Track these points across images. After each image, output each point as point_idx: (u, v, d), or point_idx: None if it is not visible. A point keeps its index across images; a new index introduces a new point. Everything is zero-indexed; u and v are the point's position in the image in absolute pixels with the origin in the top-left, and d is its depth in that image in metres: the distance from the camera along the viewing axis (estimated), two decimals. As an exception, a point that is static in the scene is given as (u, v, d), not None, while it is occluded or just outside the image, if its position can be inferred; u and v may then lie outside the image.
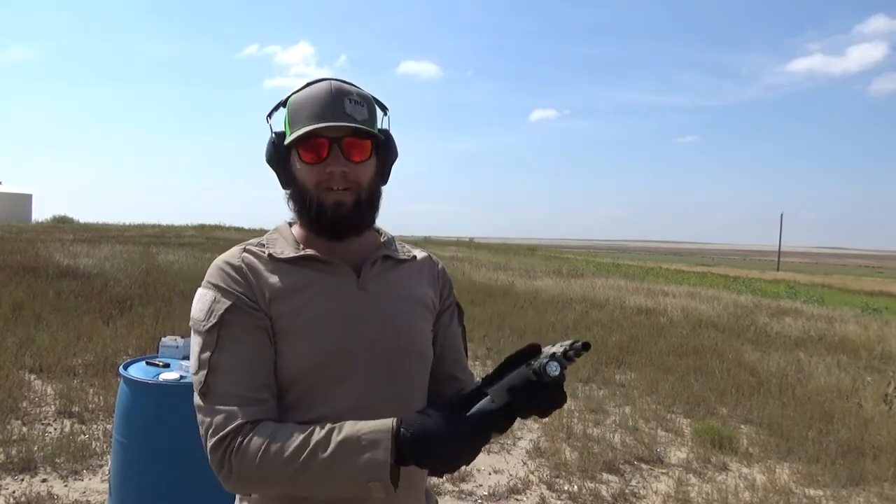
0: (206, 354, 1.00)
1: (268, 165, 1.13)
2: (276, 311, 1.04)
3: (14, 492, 3.21)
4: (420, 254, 1.24)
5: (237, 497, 1.13)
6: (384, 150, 1.12)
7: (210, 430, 0.98)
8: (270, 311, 1.04)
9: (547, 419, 4.51)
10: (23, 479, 3.37)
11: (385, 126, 1.15)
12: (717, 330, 9.93)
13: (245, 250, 1.10)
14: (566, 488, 3.79)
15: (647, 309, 11.85)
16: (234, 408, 0.97)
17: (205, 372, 1.00)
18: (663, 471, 4.21)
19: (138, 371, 2.65)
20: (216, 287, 1.06)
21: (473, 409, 0.92)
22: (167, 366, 2.73)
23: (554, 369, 0.88)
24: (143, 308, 7.79)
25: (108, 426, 4.06)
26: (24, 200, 33.17)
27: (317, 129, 1.02)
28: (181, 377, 2.60)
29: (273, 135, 1.10)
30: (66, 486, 3.36)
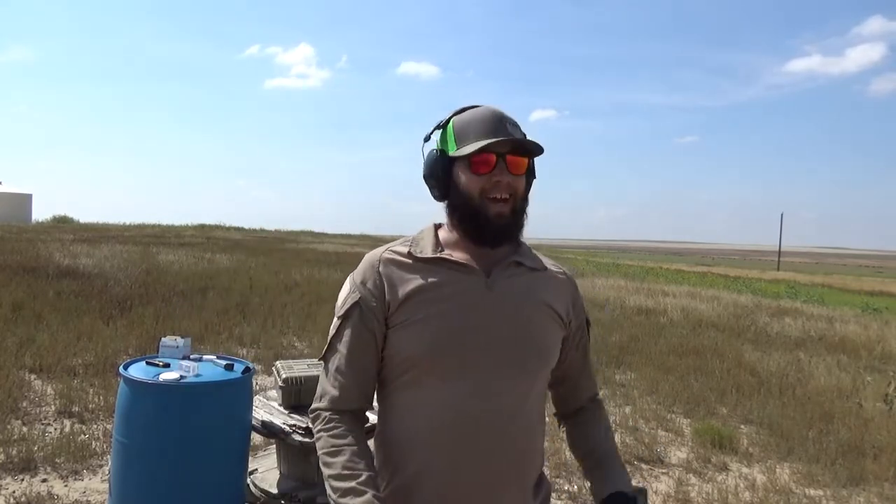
0: (331, 335, 1.24)
1: (425, 180, 1.26)
2: (405, 305, 1.18)
3: (14, 492, 3.21)
4: (554, 267, 1.33)
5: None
6: (531, 171, 1.25)
7: (315, 396, 1.24)
8: (398, 306, 1.19)
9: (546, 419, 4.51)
10: (23, 479, 3.37)
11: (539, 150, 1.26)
12: (717, 330, 9.93)
13: (389, 249, 1.25)
14: (566, 488, 3.79)
15: (648, 309, 11.86)
16: (328, 388, 1.22)
17: (327, 347, 1.25)
18: (663, 471, 4.21)
19: (138, 371, 2.65)
20: (354, 281, 1.24)
21: None
22: (167, 366, 2.73)
23: None
24: (143, 308, 7.79)
25: (108, 426, 4.06)
26: (24, 200, 33.16)
27: (491, 143, 1.16)
28: (181, 377, 2.60)
29: (436, 150, 1.24)
30: (66, 486, 3.36)
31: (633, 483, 1.25)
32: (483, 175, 1.17)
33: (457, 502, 1.18)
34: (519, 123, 1.24)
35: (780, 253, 59.59)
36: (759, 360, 7.69)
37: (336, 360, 1.22)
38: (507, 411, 1.18)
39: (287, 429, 2.80)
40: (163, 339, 2.96)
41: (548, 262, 1.33)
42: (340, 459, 1.15)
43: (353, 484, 1.11)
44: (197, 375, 2.64)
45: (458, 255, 1.22)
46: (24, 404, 4.47)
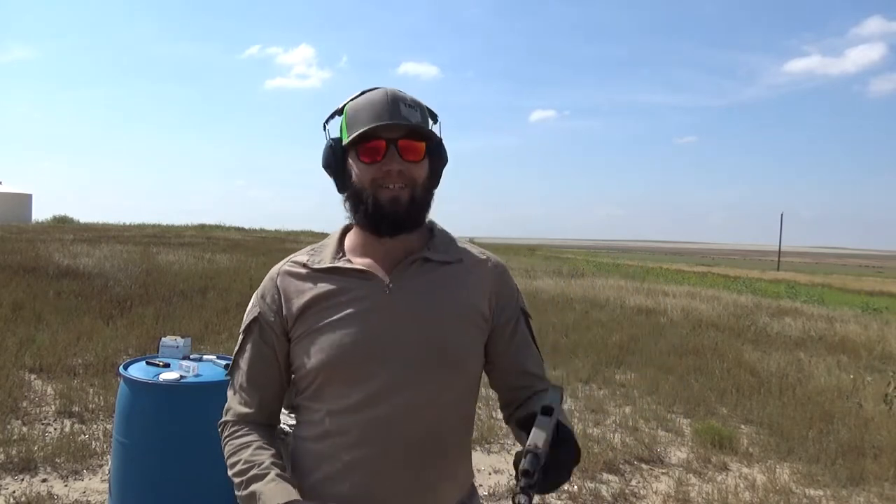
0: (235, 351, 1.22)
1: (325, 171, 1.19)
2: (301, 317, 1.14)
3: (14, 492, 3.21)
4: (477, 256, 1.23)
5: None
6: (436, 154, 1.17)
7: (223, 409, 1.22)
8: (295, 320, 1.15)
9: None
10: (23, 479, 3.37)
11: (436, 133, 1.19)
12: (717, 330, 9.92)
13: (289, 261, 1.21)
14: (566, 488, 3.78)
15: (647, 309, 11.85)
16: (232, 403, 1.21)
17: (231, 361, 1.23)
18: (663, 471, 4.21)
19: (138, 371, 2.65)
20: (256, 296, 1.21)
21: None
22: (167, 366, 2.73)
23: (523, 501, 0.94)
24: (143, 308, 7.79)
25: (108, 426, 4.05)
26: (24, 200, 33.14)
27: (376, 128, 1.08)
28: (181, 377, 2.60)
29: (330, 140, 1.17)
30: (66, 486, 3.36)
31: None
32: (372, 164, 1.10)
33: None
34: (421, 104, 1.15)
35: (780, 253, 59.59)
36: (759, 360, 7.68)
37: (238, 377, 1.20)
38: (414, 418, 1.10)
39: (287, 429, 2.80)
40: (163, 339, 2.96)
41: (470, 252, 1.22)
42: (242, 456, 1.11)
43: (254, 471, 1.07)
44: (197, 375, 2.64)
45: (358, 260, 1.16)
46: (24, 404, 4.47)
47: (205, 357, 2.92)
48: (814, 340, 9.51)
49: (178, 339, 2.96)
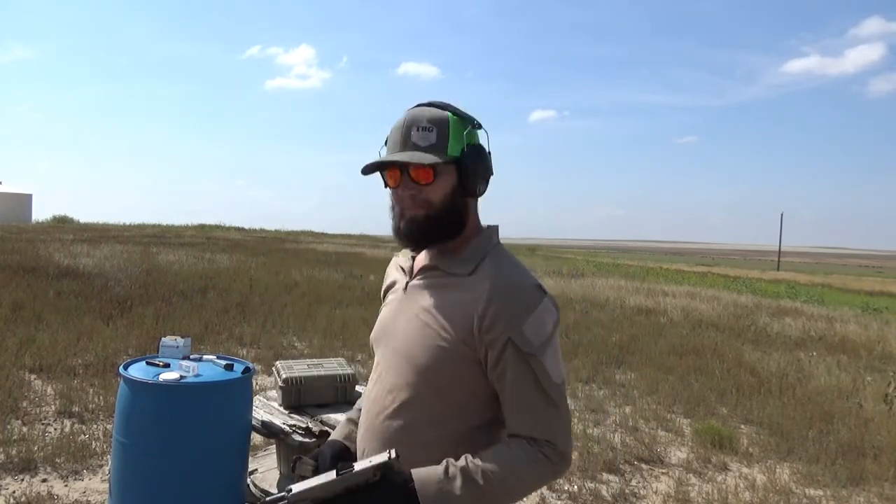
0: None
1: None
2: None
3: (14, 492, 3.21)
4: (484, 275, 1.19)
5: None
6: (466, 165, 1.20)
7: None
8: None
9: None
10: (23, 479, 3.37)
11: (474, 139, 1.23)
12: (717, 330, 9.93)
13: (397, 252, 1.44)
14: (566, 488, 3.79)
15: (647, 309, 11.86)
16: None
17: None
18: (663, 471, 4.21)
19: (138, 371, 2.65)
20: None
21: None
22: (167, 366, 2.72)
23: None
24: (143, 308, 7.79)
25: (108, 426, 4.06)
26: (24, 200, 33.15)
27: (381, 162, 1.21)
28: (181, 377, 2.60)
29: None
30: (66, 486, 3.36)
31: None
32: (392, 189, 1.24)
33: None
34: (441, 120, 1.19)
35: (780, 253, 59.58)
36: (759, 360, 7.68)
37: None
38: (386, 414, 1.22)
39: (287, 429, 2.80)
40: (163, 339, 2.96)
41: (487, 270, 1.19)
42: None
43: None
44: (197, 375, 2.64)
45: (420, 258, 1.32)
46: (24, 404, 4.47)
47: (205, 357, 2.92)
48: (814, 340, 9.51)
49: (178, 339, 2.95)
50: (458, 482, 1.07)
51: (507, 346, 1.13)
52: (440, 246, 1.24)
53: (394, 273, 1.39)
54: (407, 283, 1.30)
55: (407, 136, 1.19)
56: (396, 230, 1.24)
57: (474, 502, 1.08)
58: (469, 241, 1.25)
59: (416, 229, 1.21)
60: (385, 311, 1.34)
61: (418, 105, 1.24)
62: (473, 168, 1.20)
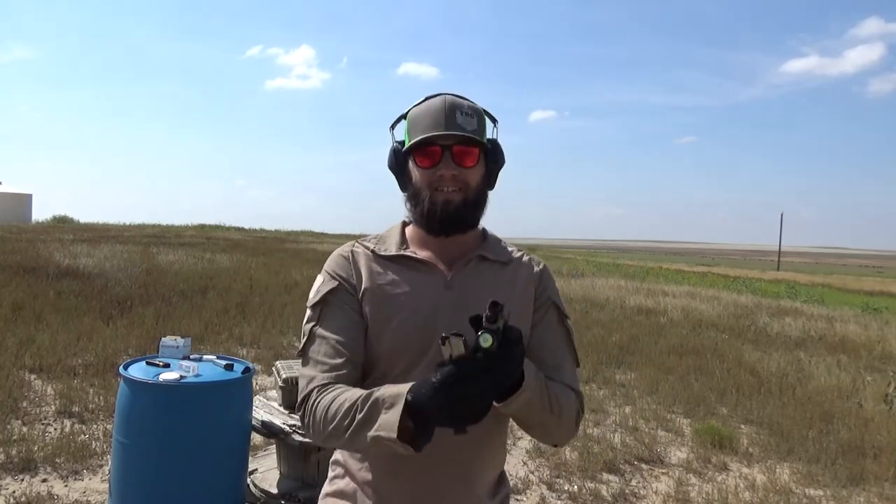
0: (308, 326, 1.19)
1: (389, 171, 1.27)
2: (368, 299, 1.19)
3: (14, 492, 3.21)
4: (520, 259, 1.29)
5: (329, 469, 1.29)
6: (492, 158, 1.24)
7: (298, 392, 1.16)
8: (362, 298, 1.20)
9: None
10: (23, 479, 3.37)
11: (494, 136, 1.26)
12: (717, 330, 9.93)
13: (356, 244, 1.27)
14: (566, 488, 3.79)
15: (647, 309, 11.86)
16: (315, 373, 1.14)
17: (304, 340, 1.19)
18: (663, 471, 4.21)
19: (138, 371, 2.65)
20: (326, 272, 1.23)
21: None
22: (167, 366, 2.73)
23: (485, 341, 0.91)
24: (143, 308, 7.79)
25: (108, 426, 4.06)
26: (24, 200, 33.14)
27: (431, 137, 1.16)
28: (181, 377, 2.60)
29: (395, 143, 1.26)
30: (66, 486, 3.36)
31: None
32: (429, 169, 1.18)
33: (399, 492, 1.17)
34: (479, 109, 1.22)
35: (780, 253, 59.58)
36: (759, 360, 7.68)
37: (321, 346, 1.16)
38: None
39: (287, 429, 2.80)
40: (163, 339, 2.96)
41: (517, 254, 1.30)
42: (345, 395, 1.07)
43: (366, 392, 1.03)
44: (197, 375, 2.64)
45: (422, 253, 1.23)
46: (24, 404, 4.47)
47: (205, 357, 2.92)
48: (814, 340, 9.51)
49: (178, 339, 2.96)
50: (544, 380, 1.13)
51: (550, 308, 1.25)
52: (462, 235, 1.22)
53: (374, 267, 1.22)
54: (447, 277, 1.20)
55: (452, 117, 1.17)
56: (431, 212, 1.18)
57: (550, 403, 1.12)
58: (484, 231, 1.30)
59: (452, 212, 1.18)
60: (423, 314, 1.17)
61: (438, 94, 1.22)
62: (500, 161, 1.25)
